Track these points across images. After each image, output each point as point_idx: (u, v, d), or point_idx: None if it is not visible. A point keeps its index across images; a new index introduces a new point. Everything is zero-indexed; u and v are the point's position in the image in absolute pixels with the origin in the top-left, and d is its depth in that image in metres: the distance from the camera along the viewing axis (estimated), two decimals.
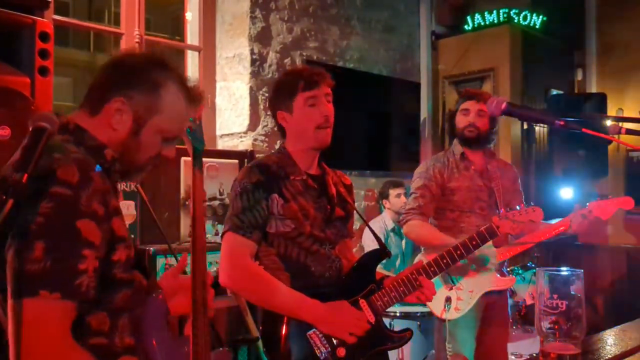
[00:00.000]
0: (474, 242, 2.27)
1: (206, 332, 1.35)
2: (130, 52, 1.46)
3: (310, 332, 1.85)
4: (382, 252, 2.06)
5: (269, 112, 3.76)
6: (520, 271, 4.08)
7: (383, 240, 4.31)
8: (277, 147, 2.11)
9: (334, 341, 1.86)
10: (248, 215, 1.90)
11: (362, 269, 2.01)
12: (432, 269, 2.08)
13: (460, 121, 2.94)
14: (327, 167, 2.12)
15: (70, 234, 1.14)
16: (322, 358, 1.84)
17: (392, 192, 4.56)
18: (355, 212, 2.17)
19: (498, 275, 2.85)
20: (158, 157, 1.40)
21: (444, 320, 2.75)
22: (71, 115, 1.36)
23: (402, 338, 1.99)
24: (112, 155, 1.34)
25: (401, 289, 1.97)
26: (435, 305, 2.79)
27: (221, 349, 1.45)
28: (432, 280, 2.05)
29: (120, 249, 1.25)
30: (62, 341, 1.12)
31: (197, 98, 1.44)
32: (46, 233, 1.12)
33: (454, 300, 2.76)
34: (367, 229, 4.41)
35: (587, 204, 2.71)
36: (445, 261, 2.14)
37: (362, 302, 1.94)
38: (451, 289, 2.78)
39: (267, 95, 4.01)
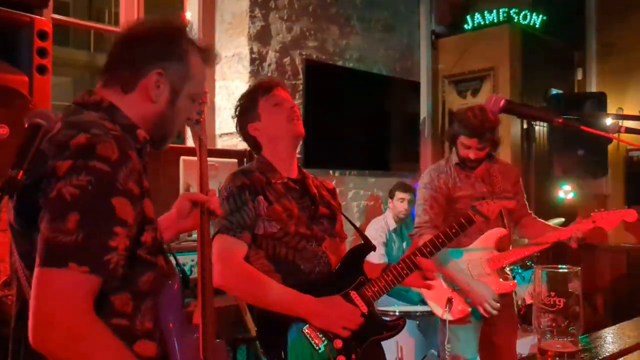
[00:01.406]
0: (453, 230, 2.33)
1: (213, 321, 1.37)
2: (150, 24, 1.42)
3: (305, 328, 1.87)
4: (366, 246, 2.11)
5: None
6: (519, 270, 4.07)
7: (385, 241, 4.34)
8: None
9: (330, 334, 1.88)
10: (236, 216, 1.93)
11: (349, 262, 2.07)
12: (417, 257, 2.14)
13: (461, 150, 2.90)
14: (306, 172, 2.19)
15: (104, 210, 1.15)
16: (319, 352, 1.86)
17: (398, 195, 4.44)
18: (342, 214, 2.22)
19: (500, 280, 2.84)
20: (187, 119, 1.47)
21: (445, 321, 2.76)
22: (102, 93, 1.35)
23: (396, 326, 2.04)
24: (144, 136, 1.35)
25: (389, 277, 2.05)
26: (437, 306, 2.81)
27: (217, 340, 1.47)
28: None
29: (148, 230, 1.27)
30: (85, 314, 1.12)
31: (212, 58, 1.51)
32: (81, 206, 1.12)
33: (456, 301, 2.77)
34: (368, 228, 4.42)
35: (591, 214, 2.71)
36: (428, 249, 2.20)
37: (354, 294, 1.99)
38: (453, 290, 2.79)
39: None
